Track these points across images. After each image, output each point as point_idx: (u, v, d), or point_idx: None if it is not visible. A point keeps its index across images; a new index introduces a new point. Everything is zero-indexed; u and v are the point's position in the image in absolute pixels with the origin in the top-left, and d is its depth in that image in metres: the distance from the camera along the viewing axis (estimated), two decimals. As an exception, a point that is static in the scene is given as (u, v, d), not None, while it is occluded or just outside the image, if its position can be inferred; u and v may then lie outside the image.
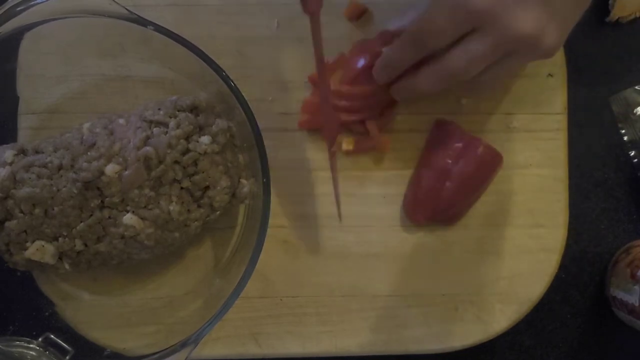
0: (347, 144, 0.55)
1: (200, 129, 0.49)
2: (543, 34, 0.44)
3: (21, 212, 0.47)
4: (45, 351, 0.50)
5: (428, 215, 0.54)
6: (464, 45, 0.46)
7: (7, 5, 0.48)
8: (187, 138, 0.48)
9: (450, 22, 0.45)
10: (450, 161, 0.53)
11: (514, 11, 0.43)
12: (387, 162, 0.56)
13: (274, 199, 0.50)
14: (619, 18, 0.60)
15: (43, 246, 0.48)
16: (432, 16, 0.46)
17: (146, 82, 0.55)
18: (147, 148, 0.46)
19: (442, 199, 0.53)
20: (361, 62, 0.53)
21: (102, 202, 0.47)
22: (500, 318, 0.54)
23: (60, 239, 0.48)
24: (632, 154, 0.59)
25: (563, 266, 0.56)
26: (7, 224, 0.47)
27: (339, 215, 0.54)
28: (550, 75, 0.56)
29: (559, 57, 0.56)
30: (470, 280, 0.55)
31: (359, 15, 0.56)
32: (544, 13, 0.44)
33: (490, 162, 0.54)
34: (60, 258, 0.49)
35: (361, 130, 0.55)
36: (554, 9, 0.44)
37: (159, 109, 0.48)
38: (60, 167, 0.47)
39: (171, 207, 0.47)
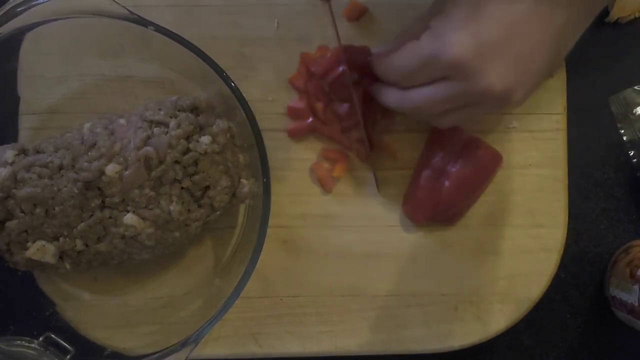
0: (338, 171, 0.55)
1: (201, 129, 0.49)
2: (511, 92, 0.45)
3: (22, 211, 0.47)
4: (46, 351, 0.50)
5: (428, 215, 0.54)
6: (432, 87, 0.46)
7: (7, 6, 0.48)
8: (188, 138, 0.48)
9: (422, 69, 0.45)
10: (449, 161, 0.53)
11: (486, 68, 0.43)
12: (387, 162, 0.56)
13: (274, 198, 0.50)
14: (618, 18, 0.60)
15: (44, 246, 0.48)
16: (405, 59, 0.46)
17: (146, 82, 0.55)
18: (148, 148, 0.47)
19: (442, 199, 0.53)
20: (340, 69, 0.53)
21: (103, 202, 0.47)
22: (499, 318, 0.54)
23: (61, 238, 0.48)
24: (632, 153, 0.59)
25: (563, 266, 0.57)
26: (8, 223, 0.47)
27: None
28: (550, 75, 0.56)
29: (559, 58, 0.56)
30: (470, 280, 0.55)
31: (359, 16, 0.56)
32: (515, 72, 0.44)
33: (490, 162, 0.54)
34: (61, 258, 0.49)
35: (358, 137, 0.55)
36: (525, 67, 0.44)
37: (160, 109, 0.48)
38: (61, 167, 0.47)
39: (171, 207, 0.47)
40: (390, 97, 0.50)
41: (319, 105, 0.54)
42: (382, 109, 0.53)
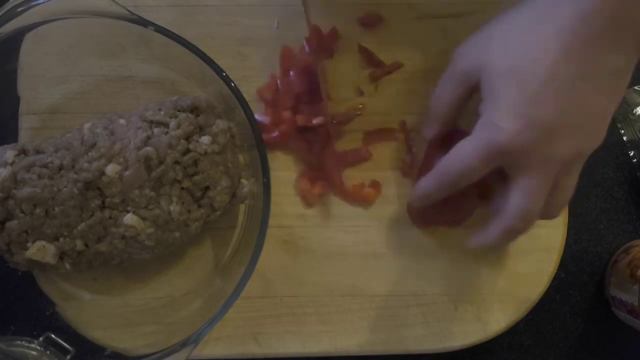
0: (318, 188, 0.55)
1: (201, 129, 0.49)
2: (582, 146, 0.43)
3: (22, 212, 0.47)
4: (46, 351, 0.50)
5: (432, 220, 0.54)
6: (515, 187, 0.44)
7: (7, 6, 0.48)
8: (188, 138, 0.48)
9: (482, 163, 0.44)
10: None
11: (549, 144, 0.42)
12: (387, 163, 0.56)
13: (274, 199, 0.50)
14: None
15: (44, 246, 0.48)
16: (461, 158, 0.45)
17: (147, 82, 0.55)
18: (148, 148, 0.47)
19: (447, 203, 0.53)
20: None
21: (103, 202, 0.47)
22: (499, 318, 0.54)
23: (61, 239, 0.48)
24: (632, 154, 0.59)
25: (563, 266, 0.57)
26: (8, 224, 0.47)
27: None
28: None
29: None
30: (470, 280, 0.55)
31: (374, 23, 0.56)
32: (579, 132, 0.43)
33: None
34: (61, 258, 0.49)
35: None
36: (590, 124, 0.43)
37: (160, 109, 0.48)
38: (61, 167, 0.47)
39: (172, 207, 0.47)
40: (494, 231, 0.47)
41: (283, 126, 0.54)
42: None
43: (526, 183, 0.44)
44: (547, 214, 0.46)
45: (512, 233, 0.46)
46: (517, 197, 0.44)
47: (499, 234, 0.46)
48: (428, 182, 0.49)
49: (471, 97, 0.48)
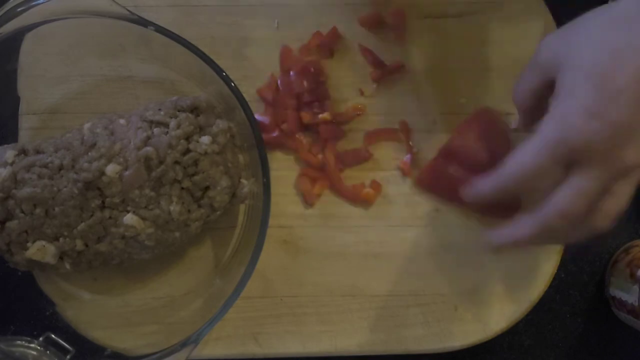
0: (318, 188, 0.55)
1: (201, 129, 0.49)
2: None
3: (22, 212, 0.47)
4: (46, 351, 0.50)
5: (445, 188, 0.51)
6: (567, 185, 0.41)
7: (7, 6, 0.48)
8: (188, 138, 0.48)
9: (550, 160, 0.41)
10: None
11: (620, 147, 0.40)
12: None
13: (274, 199, 0.50)
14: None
15: (44, 246, 0.48)
16: (528, 155, 0.42)
17: (147, 82, 0.55)
18: (148, 148, 0.47)
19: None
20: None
21: (103, 202, 0.47)
22: (499, 318, 0.54)
23: (61, 239, 0.48)
24: (632, 154, 0.59)
25: (563, 266, 0.56)
26: (8, 224, 0.47)
27: None
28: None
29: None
30: (470, 280, 0.55)
31: (376, 25, 0.56)
32: None
33: (488, 121, 0.51)
34: (61, 258, 0.49)
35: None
36: None
37: (160, 109, 0.48)
38: (61, 167, 0.47)
39: (172, 207, 0.47)
40: (526, 226, 0.43)
41: (285, 126, 0.54)
42: None
43: (579, 182, 0.41)
44: (593, 220, 0.42)
45: (547, 232, 0.42)
46: (564, 194, 0.41)
47: (531, 231, 0.42)
48: (486, 185, 0.45)
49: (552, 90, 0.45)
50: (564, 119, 0.41)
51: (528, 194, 0.44)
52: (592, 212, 0.42)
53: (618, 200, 0.43)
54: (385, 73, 0.56)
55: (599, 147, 0.40)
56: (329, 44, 0.56)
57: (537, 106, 0.47)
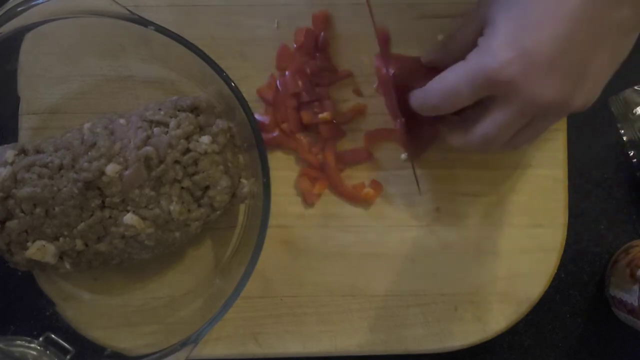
0: (318, 188, 0.55)
1: (201, 129, 0.49)
2: (570, 100, 0.42)
3: (22, 211, 0.47)
4: (46, 351, 0.50)
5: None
6: (490, 117, 0.45)
7: (7, 6, 0.48)
8: (188, 138, 0.48)
9: (468, 86, 0.43)
10: None
11: (538, 82, 0.41)
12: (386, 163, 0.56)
13: (274, 198, 0.50)
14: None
15: (44, 246, 0.48)
16: (450, 77, 0.45)
17: (147, 82, 0.55)
18: (148, 148, 0.47)
19: (409, 131, 0.53)
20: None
21: (103, 202, 0.47)
22: (499, 318, 0.54)
23: (61, 238, 0.48)
24: (632, 153, 0.59)
25: (562, 266, 0.57)
26: (8, 223, 0.47)
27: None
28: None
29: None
30: (470, 280, 0.55)
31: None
32: (570, 80, 0.42)
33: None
34: (61, 258, 0.49)
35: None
36: (582, 73, 0.42)
37: (160, 109, 0.48)
38: (61, 167, 0.47)
39: (172, 207, 0.47)
40: (455, 138, 0.49)
41: (285, 126, 0.54)
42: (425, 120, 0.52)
43: (501, 117, 0.44)
44: (509, 145, 0.47)
45: (465, 146, 0.48)
46: (486, 125, 0.45)
47: (456, 141, 0.49)
48: (418, 95, 0.48)
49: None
50: (488, 50, 0.42)
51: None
52: (511, 138, 0.46)
53: (533, 132, 0.46)
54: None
55: (519, 80, 0.41)
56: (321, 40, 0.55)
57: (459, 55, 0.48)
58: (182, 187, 0.48)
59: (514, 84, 0.42)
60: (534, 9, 0.41)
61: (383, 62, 0.54)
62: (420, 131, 0.54)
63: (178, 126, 0.47)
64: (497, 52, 0.42)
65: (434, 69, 0.51)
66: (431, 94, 0.47)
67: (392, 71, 0.53)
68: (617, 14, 0.41)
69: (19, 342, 0.51)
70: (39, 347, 0.51)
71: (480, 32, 0.46)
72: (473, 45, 0.46)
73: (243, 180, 0.51)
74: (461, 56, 0.46)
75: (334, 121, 0.55)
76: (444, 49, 0.51)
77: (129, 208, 0.47)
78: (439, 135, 0.54)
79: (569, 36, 0.41)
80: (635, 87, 0.60)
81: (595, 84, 0.43)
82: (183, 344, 0.48)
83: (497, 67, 0.41)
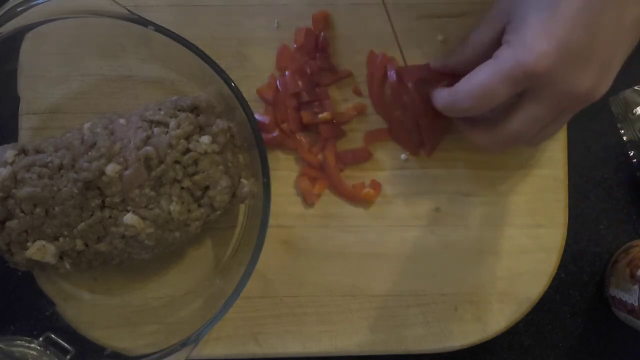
0: (318, 188, 0.55)
1: (201, 129, 0.49)
2: (597, 89, 0.44)
3: (22, 211, 0.47)
4: (46, 351, 0.50)
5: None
6: (522, 111, 0.45)
7: (7, 6, 0.48)
8: (188, 138, 0.48)
9: (504, 84, 0.43)
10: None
11: (572, 72, 0.42)
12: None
13: (274, 198, 0.50)
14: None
15: (44, 246, 0.48)
16: (482, 78, 0.44)
17: (147, 82, 0.55)
18: (148, 148, 0.47)
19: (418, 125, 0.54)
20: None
21: (103, 201, 0.47)
22: (499, 318, 0.54)
23: (61, 238, 0.48)
24: (632, 154, 0.59)
25: (562, 266, 0.57)
26: (7, 223, 0.47)
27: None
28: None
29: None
30: (470, 280, 0.55)
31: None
32: (600, 71, 0.43)
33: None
34: (61, 258, 0.49)
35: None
36: (608, 63, 0.43)
37: (160, 109, 0.48)
38: (61, 167, 0.47)
39: (171, 207, 0.47)
40: (483, 137, 0.48)
41: (285, 126, 0.54)
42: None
43: (533, 111, 0.44)
44: (532, 141, 0.48)
45: (490, 144, 0.48)
46: (517, 121, 0.45)
47: (480, 139, 0.49)
48: (444, 97, 0.48)
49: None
50: (518, 44, 0.43)
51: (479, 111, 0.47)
52: (536, 134, 0.47)
53: (555, 127, 0.47)
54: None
55: (556, 72, 0.42)
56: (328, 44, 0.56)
57: (475, 58, 0.48)
58: (182, 187, 0.48)
59: (551, 75, 0.42)
60: (566, 4, 0.42)
61: (401, 69, 0.54)
62: (433, 125, 0.54)
63: (178, 126, 0.47)
64: (532, 44, 0.42)
65: (443, 74, 0.52)
66: (462, 95, 0.46)
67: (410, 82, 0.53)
68: (632, 13, 0.42)
69: (19, 342, 0.51)
70: (39, 347, 0.51)
71: (500, 32, 0.46)
72: (491, 45, 0.46)
73: (243, 180, 0.51)
74: (477, 58, 0.46)
75: (334, 121, 0.55)
76: (459, 53, 0.50)
77: (129, 208, 0.47)
78: (450, 129, 0.54)
79: (598, 26, 0.42)
80: (635, 87, 0.60)
81: (613, 72, 0.45)
82: (183, 344, 0.48)
83: (534, 60, 0.42)
